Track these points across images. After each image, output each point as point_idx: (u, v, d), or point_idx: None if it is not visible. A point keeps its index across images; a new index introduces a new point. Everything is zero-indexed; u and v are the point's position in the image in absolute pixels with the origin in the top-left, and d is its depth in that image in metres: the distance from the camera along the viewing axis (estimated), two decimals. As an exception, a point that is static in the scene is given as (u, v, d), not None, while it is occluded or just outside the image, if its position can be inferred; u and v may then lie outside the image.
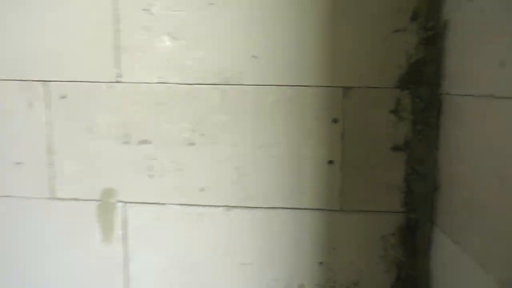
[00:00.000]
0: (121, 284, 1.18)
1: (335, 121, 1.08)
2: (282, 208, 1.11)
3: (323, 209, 1.10)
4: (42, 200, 1.18)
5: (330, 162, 1.09)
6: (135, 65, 1.10)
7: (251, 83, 1.08)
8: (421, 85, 1.05)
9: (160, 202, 1.14)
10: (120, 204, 1.16)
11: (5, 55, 1.16)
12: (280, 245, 1.12)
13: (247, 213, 1.12)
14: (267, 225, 1.12)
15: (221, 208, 1.13)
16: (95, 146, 1.14)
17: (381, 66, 1.05)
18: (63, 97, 1.14)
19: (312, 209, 1.10)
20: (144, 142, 1.13)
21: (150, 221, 1.15)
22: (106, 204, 1.16)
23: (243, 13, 1.06)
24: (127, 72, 1.11)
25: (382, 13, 1.03)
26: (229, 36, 1.07)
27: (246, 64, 1.07)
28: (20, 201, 1.19)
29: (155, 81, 1.10)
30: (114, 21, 1.10)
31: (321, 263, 1.12)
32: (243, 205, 1.12)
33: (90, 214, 1.17)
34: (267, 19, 1.06)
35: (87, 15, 1.11)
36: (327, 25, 1.05)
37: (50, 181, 1.17)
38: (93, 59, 1.12)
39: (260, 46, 1.07)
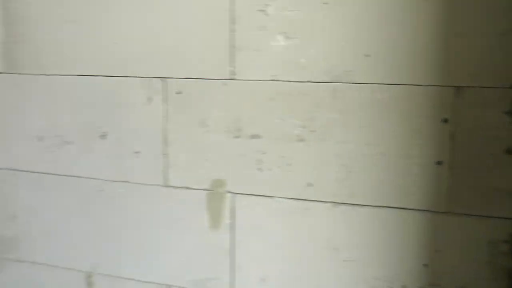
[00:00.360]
0: (226, 270, 1.26)
1: (445, 121, 1.07)
2: (388, 207, 1.13)
3: (430, 211, 1.10)
4: (156, 187, 1.29)
5: (439, 163, 1.09)
6: (249, 63, 1.17)
7: (362, 81, 1.10)
8: (540, 85, 1.02)
9: (268, 195, 1.20)
10: (229, 194, 1.23)
11: (128, 55, 1.27)
12: (384, 244, 1.14)
13: (353, 210, 1.15)
14: (372, 223, 1.14)
15: (327, 204, 1.16)
16: (207, 139, 1.23)
17: (495, 65, 1.03)
18: (179, 92, 1.24)
19: (418, 210, 1.11)
20: (255, 136, 1.19)
21: (258, 213, 1.21)
22: (215, 194, 1.24)
23: (357, 12, 1.09)
24: (241, 70, 1.18)
25: (498, 10, 1.01)
26: (342, 34, 1.10)
27: (358, 62, 1.10)
28: (136, 186, 1.31)
29: (268, 78, 1.16)
30: (230, 21, 1.17)
31: (425, 265, 1.12)
32: (349, 202, 1.15)
33: (200, 203, 1.26)
34: (380, 17, 1.07)
35: (205, 16, 1.19)
36: (440, 24, 1.05)
37: (164, 170, 1.28)
38: (208, 57, 1.20)
39: (373, 45, 1.09)
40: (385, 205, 1.13)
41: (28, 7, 1.37)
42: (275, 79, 1.16)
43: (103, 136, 1.33)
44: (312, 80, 1.13)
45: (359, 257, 1.16)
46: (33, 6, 1.36)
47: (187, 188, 1.27)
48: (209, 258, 1.28)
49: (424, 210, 1.11)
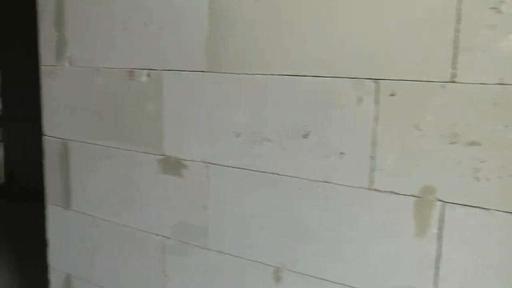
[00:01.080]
0: (430, 281, 1.27)
1: None
2: None
3: None
4: (359, 190, 1.35)
5: None
6: (473, 65, 1.16)
7: None
8: None
9: (483, 207, 1.18)
10: (439, 203, 1.24)
11: (339, 55, 1.35)
12: None
13: None
14: None
15: (554, 223, 1.12)
16: (419, 144, 1.25)
17: None
18: (392, 94, 1.28)
19: None
20: (473, 143, 1.19)
21: (469, 225, 1.20)
22: (424, 201, 1.26)
23: None
24: (463, 72, 1.18)
25: None
26: None
27: None
28: (338, 187, 1.39)
29: (494, 82, 1.14)
30: (456, 20, 1.17)
31: None
32: None
33: (406, 209, 1.28)
34: None
35: (427, 15, 1.21)
36: None
37: (370, 173, 1.33)
38: (428, 58, 1.22)
39: None
40: None
41: (233, 1, 1.51)
42: (502, 82, 1.14)
43: (306, 135, 1.43)
44: (547, 85, 1.10)
45: None
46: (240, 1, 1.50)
47: (394, 193, 1.30)
48: (411, 267, 1.30)
49: None
